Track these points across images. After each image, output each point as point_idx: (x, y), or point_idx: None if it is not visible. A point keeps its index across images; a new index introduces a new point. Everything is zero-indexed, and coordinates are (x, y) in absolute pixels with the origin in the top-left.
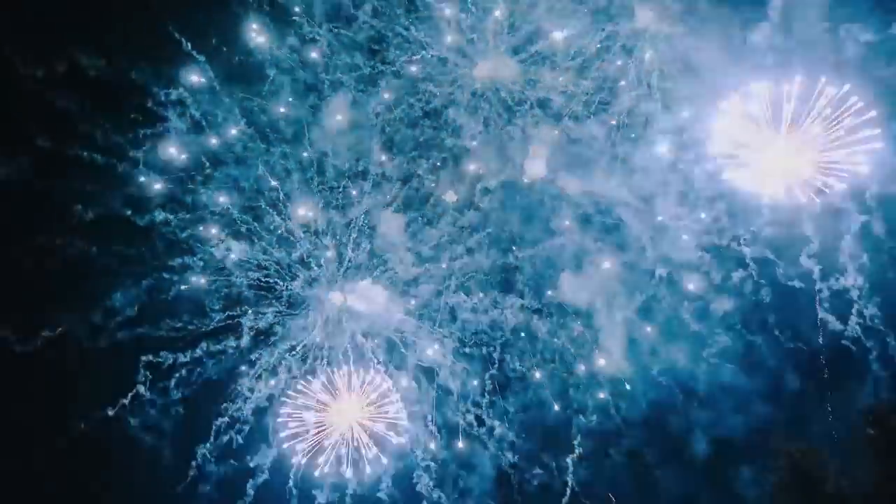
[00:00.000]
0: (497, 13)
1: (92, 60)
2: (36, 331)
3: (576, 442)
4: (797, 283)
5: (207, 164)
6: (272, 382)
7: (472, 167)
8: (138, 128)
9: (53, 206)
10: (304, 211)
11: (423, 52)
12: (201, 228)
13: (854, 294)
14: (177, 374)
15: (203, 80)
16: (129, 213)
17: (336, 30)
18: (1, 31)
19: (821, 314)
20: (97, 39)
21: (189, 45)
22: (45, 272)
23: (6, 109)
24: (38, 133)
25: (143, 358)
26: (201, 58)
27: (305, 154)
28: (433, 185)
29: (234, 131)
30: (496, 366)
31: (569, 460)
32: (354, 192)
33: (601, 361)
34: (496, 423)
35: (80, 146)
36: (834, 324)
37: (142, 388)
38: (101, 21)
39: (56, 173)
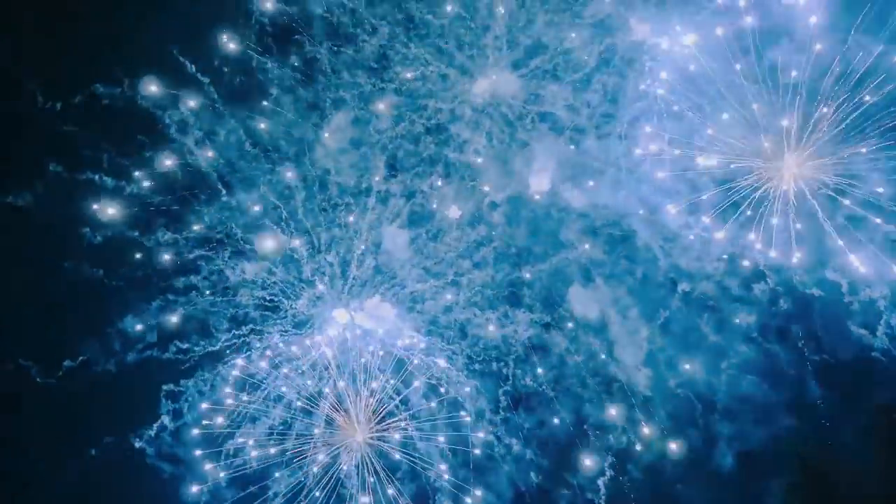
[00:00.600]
0: (496, 29)
1: (100, 86)
2: (57, 360)
3: (607, 463)
4: (817, 292)
5: (211, 184)
6: (280, 405)
7: (476, 182)
8: (145, 150)
9: (62, 230)
10: (307, 229)
11: (424, 68)
12: (207, 248)
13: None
14: (188, 399)
15: (207, 101)
16: (136, 234)
17: (337, 48)
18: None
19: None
20: (103, 65)
21: (193, 67)
22: (57, 296)
23: (18, 135)
24: (50, 158)
25: (165, 387)
26: (205, 79)
27: (308, 172)
28: (437, 200)
29: (237, 151)
30: (509, 382)
31: (600, 482)
32: (354, 214)
33: (618, 375)
34: (513, 440)
35: (89, 170)
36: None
37: (166, 420)
38: (105, 46)
39: (65, 197)
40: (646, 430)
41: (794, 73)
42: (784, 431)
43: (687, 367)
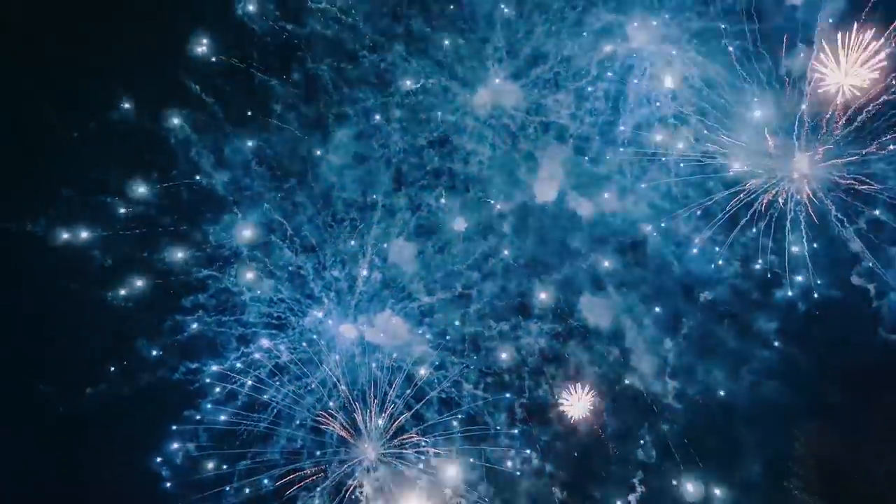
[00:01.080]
0: (495, 40)
1: (111, 112)
2: (81, 389)
3: (637, 479)
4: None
5: (217, 203)
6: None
7: (481, 193)
8: (151, 171)
9: (72, 254)
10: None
11: (425, 82)
12: (213, 268)
13: None
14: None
15: (212, 121)
16: (145, 254)
17: (337, 65)
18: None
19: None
20: (108, 89)
21: (198, 87)
22: (69, 321)
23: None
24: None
25: (175, 408)
26: (210, 100)
27: (313, 188)
28: (443, 212)
29: (242, 169)
30: (525, 394)
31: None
32: (360, 229)
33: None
34: (532, 454)
35: (99, 194)
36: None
37: (191, 447)
38: (107, 69)
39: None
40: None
41: (801, 55)
42: (808, 435)
43: (706, 375)
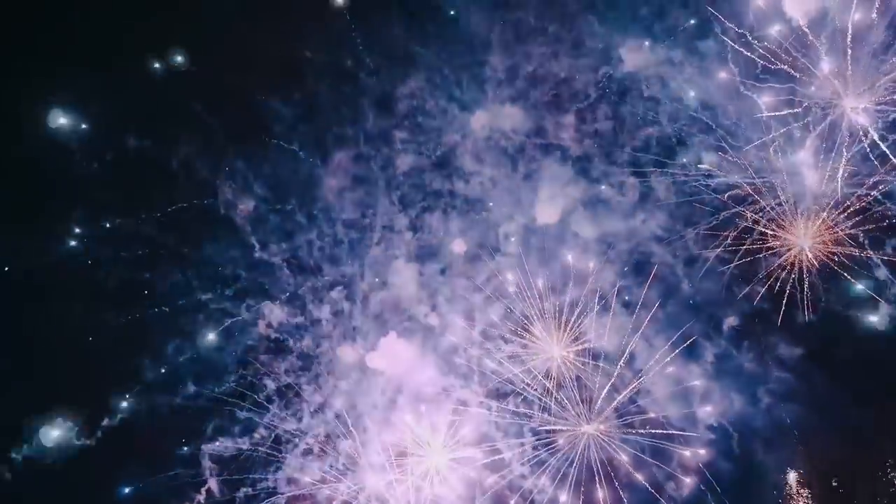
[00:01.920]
0: (493, 61)
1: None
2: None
3: None
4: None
5: (218, 226)
6: (294, 455)
7: (483, 215)
8: (152, 194)
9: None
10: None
11: (425, 103)
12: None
13: None
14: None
15: (213, 143)
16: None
17: (337, 85)
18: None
19: None
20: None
21: (201, 107)
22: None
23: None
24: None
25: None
26: (212, 120)
27: (314, 210)
28: (443, 234)
29: (242, 191)
30: (534, 419)
31: None
32: (361, 250)
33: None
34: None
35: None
36: None
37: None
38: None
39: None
40: None
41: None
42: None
43: (722, 397)
